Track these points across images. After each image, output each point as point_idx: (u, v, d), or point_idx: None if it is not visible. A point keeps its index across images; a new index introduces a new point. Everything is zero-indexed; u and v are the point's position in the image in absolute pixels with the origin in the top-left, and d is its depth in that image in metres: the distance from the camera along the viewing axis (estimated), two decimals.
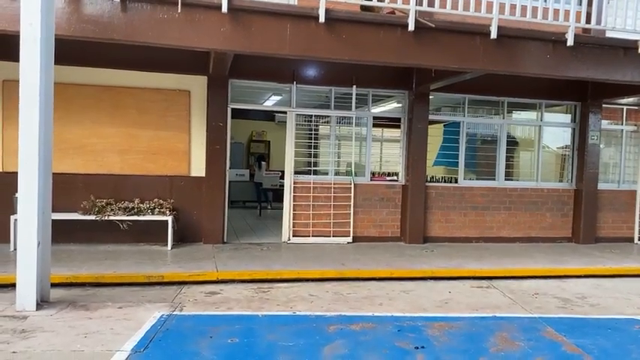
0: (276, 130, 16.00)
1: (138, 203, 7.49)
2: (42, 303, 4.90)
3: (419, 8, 6.17)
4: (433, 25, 6.23)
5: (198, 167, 7.95)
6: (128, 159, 7.72)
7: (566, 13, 6.63)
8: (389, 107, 9.51)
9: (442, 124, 9.95)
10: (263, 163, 13.91)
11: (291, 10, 5.99)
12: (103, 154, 7.66)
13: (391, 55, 6.36)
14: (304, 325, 4.71)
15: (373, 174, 8.96)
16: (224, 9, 5.61)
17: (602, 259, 8.07)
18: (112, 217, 7.27)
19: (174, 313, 4.91)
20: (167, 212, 7.49)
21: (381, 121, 9.93)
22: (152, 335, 4.25)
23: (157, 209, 7.49)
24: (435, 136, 9.92)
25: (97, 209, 7.28)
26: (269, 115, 15.93)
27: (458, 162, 9.19)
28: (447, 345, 4.31)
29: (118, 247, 7.39)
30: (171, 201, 7.71)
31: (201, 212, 7.94)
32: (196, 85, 7.90)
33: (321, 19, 5.88)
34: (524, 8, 6.48)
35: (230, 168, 14.97)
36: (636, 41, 6.97)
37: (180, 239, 7.85)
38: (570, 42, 6.64)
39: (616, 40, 7.21)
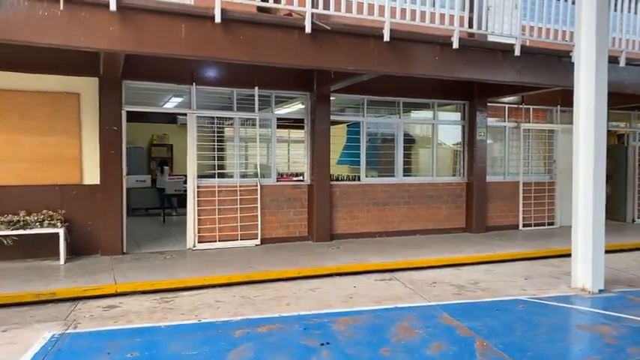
0: (178, 132, 15.47)
1: (24, 216, 6.88)
2: None
3: (314, 11, 6.27)
4: (329, 28, 6.37)
5: (91, 174, 7.48)
6: (10, 168, 7.08)
7: (455, 18, 7.09)
8: (295, 109, 9.59)
9: (346, 125, 10.24)
10: (165, 167, 13.40)
11: (185, 9, 5.82)
12: None
13: (289, 57, 6.42)
14: (209, 332, 4.61)
15: (280, 175, 9.00)
16: (112, 7, 5.32)
17: (493, 246, 8.73)
18: None
19: (68, 331, 4.58)
20: (58, 224, 6.97)
21: (286, 122, 10.03)
22: (41, 358, 3.94)
23: (46, 221, 6.94)
24: (340, 136, 10.20)
25: None
26: (171, 118, 15.42)
27: (372, 161, 9.53)
28: (352, 339, 4.44)
29: (4, 264, 6.75)
30: (63, 212, 7.18)
31: (97, 222, 7.48)
32: (87, 87, 7.43)
33: (217, 19, 5.78)
34: (413, 12, 6.85)
35: (130, 174, 14.33)
36: (512, 45, 7.62)
37: (75, 252, 7.34)
38: (456, 45, 7.10)
39: (495, 43, 7.83)
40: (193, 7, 5.88)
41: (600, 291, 5.99)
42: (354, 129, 9.86)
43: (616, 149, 12.65)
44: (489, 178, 10.39)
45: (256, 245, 8.45)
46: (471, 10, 8.27)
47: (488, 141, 10.41)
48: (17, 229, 6.76)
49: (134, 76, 7.70)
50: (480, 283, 6.52)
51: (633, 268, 7.48)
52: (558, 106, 10.91)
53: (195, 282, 6.16)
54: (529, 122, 10.87)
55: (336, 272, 6.88)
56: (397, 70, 7.14)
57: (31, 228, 6.84)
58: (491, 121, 10.48)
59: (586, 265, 6.06)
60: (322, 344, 4.27)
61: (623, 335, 4.64)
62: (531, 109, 10.88)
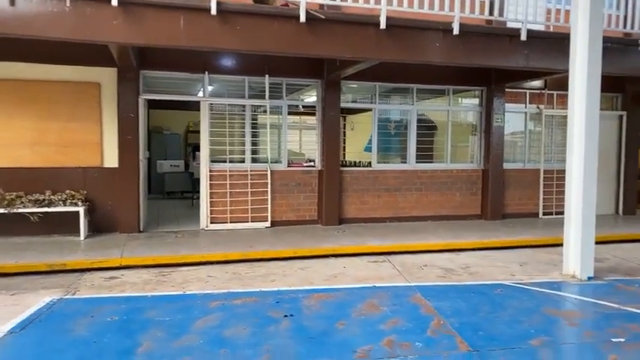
0: None
1: (49, 195, 7.56)
2: None
3: (309, 0, 6.48)
4: (323, 17, 6.57)
5: (111, 158, 8.07)
6: (39, 151, 7.77)
7: (455, 3, 7.07)
8: (307, 96, 9.85)
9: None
10: (197, 153, 14.00)
11: (183, 2, 6.17)
12: (12, 148, 7.68)
13: (285, 46, 6.66)
14: (189, 302, 5.01)
15: (291, 160, 9.30)
16: (114, 2, 5.78)
17: (502, 233, 8.66)
18: (21, 210, 7.34)
19: (66, 297, 5.12)
20: (79, 203, 7.61)
21: (300, 109, 10.30)
22: (34, 318, 4.46)
23: (68, 200, 7.59)
24: (368, 123, 10.33)
25: (6, 202, 7.32)
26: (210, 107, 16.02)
27: (390, 147, 9.71)
28: (316, 312, 4.70)
29: (30, 239, 7.46)
30: (84, 192, 7.81)
31: (116, 202, 8.08)
32: (106, 76, 7.99)
33: (213, 11, 6.12)
34: None
35: (166, 159, 15.08)
36: (518, 29, 7.51)
37: (97, 230, 8.00)
38: (456, 31, 7.11)
39: (501, 28, 7.76)
40: (190, 0, 6.22)
41: (589, 278, 5.93)
42: (379, 116, 10.02)
43: None
44: (508, 165, 10.25)
45: (266, 227, 8.82)
46: None
47: (509, 128, 10.25)
48: (43, 207, 7.45)
49: (150, 66, 8.21)
50: (471, 268, 6.58)
51: None
52: None
53: (193, 258, 6.60)
54: (552, 108, 10.58)
55: (332, 253, 7.13)
56: (396, 57, 7.23)
57: (55, 206, 7.51)
58: (511, 107, 10.30)
59: (576, 253, 6.01)
60: (286, 316, 4.56)
61: (588, 320, 4.66)
62: (555, 95, 10.58)
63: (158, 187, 14.46)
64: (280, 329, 4.26)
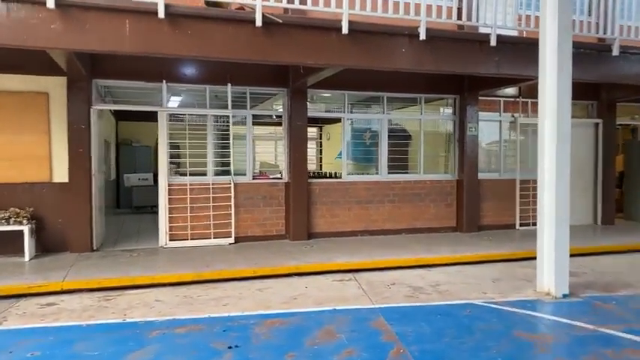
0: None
1: None
2: None
3: (265, 3, 6.10)
4: (280, 21, 6.19)
5: (61, 173, 7.56)
6: None
7: (421, 8, 6.76)
8: (274, 106, 9.46)
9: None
10: None
11: (128, 5, 5.73)
12: None
13: (241, 51, 6.25)
14: (127, 332, 4.52)
15: (258, 172, 8.88)
16: (50, 4, 5.33)
17: (478, 246, 8.30)
18: None
19: None
20: (24, 221, 7.07)
21: (268, 119, 9.92)
22: None
23: (12, 219, 7.05)
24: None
25: None
26: (178, 118, 15.54)
27: (365, 157, 9.33)
28: (265, 342, 4.25)
29: None
30: (31, 209, 7.28)
31: (66, 220, 7.55)
32: (55, 86, 7.50)
33: (160, 14, 5.71)
34: (383, 3, 6.56)
35: (135, 172, 14.52)
36: (488, 35, 7.23)
37: (46, 249, 7.47)
38: (422, 36, 6.79)
39: (470, 34, 7.48)
40: (136, 3, 5.78)
41: (564, 295, 5.58)
42: (355, 126, 9.73)
43: (629, 145, 11.94)
44: (483, 176, 9.94)
45: (230, 244, 8.35)
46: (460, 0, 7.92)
47: (483, 137, 9.97)
48: None
49: (103, 75, 7.76)
50: (441, 285, 6.19)
51: (620, 271, 6.97)
52: None
53: (144, 280, 6.10)
54: (527, 116, 10.33)
55: (295, 272, 6.69)
56: (360, 64, 6.86)
57: None
58: (485, 116, 10.02)
59: (550, 269, 5.66)
60: (230, 347, 4.10)
61: (561, 345, 4.29)
62: (530, 103, 10.34)
63: (127, 201, 13.91)
64: None
